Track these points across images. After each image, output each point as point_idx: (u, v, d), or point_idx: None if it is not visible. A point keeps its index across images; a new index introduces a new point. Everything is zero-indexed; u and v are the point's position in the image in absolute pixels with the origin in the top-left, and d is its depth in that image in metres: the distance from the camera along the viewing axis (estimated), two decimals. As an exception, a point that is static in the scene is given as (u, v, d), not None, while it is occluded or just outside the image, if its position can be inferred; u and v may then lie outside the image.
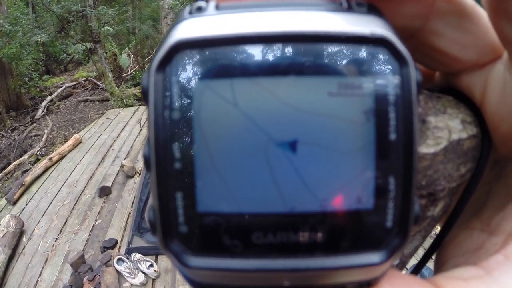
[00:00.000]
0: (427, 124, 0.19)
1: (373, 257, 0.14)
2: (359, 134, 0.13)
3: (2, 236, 3.73)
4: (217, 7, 0.13)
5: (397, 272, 0.17)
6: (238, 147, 0.13)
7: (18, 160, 6.77)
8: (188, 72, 0.13)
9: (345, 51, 0.13)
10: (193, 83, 0.13)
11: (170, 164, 0.13)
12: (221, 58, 0.13)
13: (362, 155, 0.13)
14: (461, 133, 0.19)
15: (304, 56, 0.13)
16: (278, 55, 0.13)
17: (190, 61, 0.13)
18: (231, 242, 0.13)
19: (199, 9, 0.13)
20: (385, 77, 0.13)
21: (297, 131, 0.13)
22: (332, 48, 0.13)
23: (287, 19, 0.13)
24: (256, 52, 0.13)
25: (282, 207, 0.13)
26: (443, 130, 0.19)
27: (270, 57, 0.13)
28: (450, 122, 0.19)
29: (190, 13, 0.13)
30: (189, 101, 0.13)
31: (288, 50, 0.13)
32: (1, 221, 3.96)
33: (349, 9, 0.13)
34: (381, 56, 0.13)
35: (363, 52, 0.13)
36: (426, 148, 0.19)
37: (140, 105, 8.93)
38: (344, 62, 0.13)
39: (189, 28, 0.13)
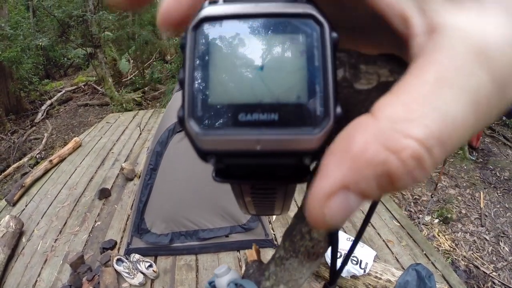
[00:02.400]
0: (359, 69, 0.27)
1: (311, 130, 0.22)
2: (297, 63, 0.23)
3: (2, 236, 3.73)
4: (224, 1, 0.23)
5: None
6: (233, 67, 0.23)
7: (18, 163, 6.78)
8: (208, 31, 0.23)
9: (291, 22, 0.23)
10: (211, 36, 0.23)
11: (196, 79, 0.23)
12: (226, 25, 0.23)
13: (299, 73, 0.22)
14: (389, 78, 0.27)
15: (271, 24, 0.23)
16: (257, 24, 0.23)
17: (210, 26, 0.23)
18: (227, 120, 0.22)
19: (214, 2, 0.23)
20: (312, 34, 0.23)
21: (263, 59, 0.22)
22: (285, 20, 0.23)
23: (262, 6, 0.23)
24: (246, 22, 0.23)
25: (254, 99, 0.22)
26: (373, 75, 0.27)
27: (252, 24, 0.23)
28: (379, 70, 0.27)
29: (209, 3, 0.23)
30: (208, 45, 0.23)
31: (263, 21, 0.23)
32: (1, 221, 3.96)
33: (295, 2, 0.23)
34: (310, 24, 0.23)
35: (300, 22, 0.23)
36: (360, 85, 0.27)
37: (139, 109, 8.97)
38: (290, 27, 0.23)
39: (208, 10, 0.23)
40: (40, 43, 8.93)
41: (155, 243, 3.52)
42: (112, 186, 4.96)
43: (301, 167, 0.25)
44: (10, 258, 3.71)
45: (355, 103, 0.26)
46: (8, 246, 3.71)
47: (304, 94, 0.22)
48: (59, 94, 10.87)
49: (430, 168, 0.18)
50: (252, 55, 0.23)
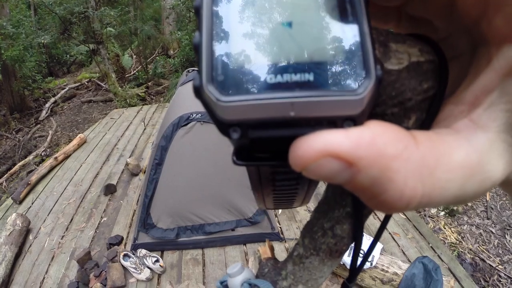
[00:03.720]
0: (389, 47, 0.25)
1: (352, 91, 0.20)
2: (330, 19, 0.20)
3: (9, 234, 3.76)
4: None
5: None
6: (258, 23, 0.20)
7: (23, 161, 6.81)
8: None
9: None
10: None
11: (215, 40, 0.20)
12: None
13: (332, 30, 0.20)
14: (420, 57, 0.25)
15: None
16: None
17: None
18: (253, 81, 0.19)
19: None
20: None
21: (291, 17, 0.20)
22: None
23: None
24: None
25: (284, 58, 0.20)
26: (403, 54, 0.25)
27: None
28: (409, 49, 0.25)
29: None
30: (227, 6, 0.21)
31: None
32: (8, 219, 3.99)
33: None
34: None
35: None
36: (391, 65, 0.25)
37: (143, 105, 8.97)
38: None
39: None
40: (43, 41, 8.96)
41: (162, 238, 3.53)
42: (117, 181, 4.97)
43: None
44: (17, 256, 3.74)
45: (385, 85, 0.24)
46: (15, 244, 3.74)
47: (340, 51, 0.20)
48: (63, 91, 10.89)
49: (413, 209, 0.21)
50: (279, 10, 0.21)
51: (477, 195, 0.20)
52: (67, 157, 5.93)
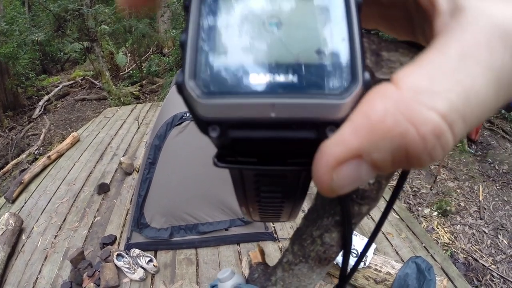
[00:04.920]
0: (381, 57, 0.25)
1: (337, 95, 0.19)
2: (319, 20, 0.20)
3: (2, 234, 3.72)
4: None
5: None
6: (244, 21, 0.20)
7: (16, 160, 6.77)
8: None
9: None
10: None
11: (201, 37, 0.20)
12: None
13: (321, 32, 0.20)
14: None
15: None
16: None
17: None
18: (235, 80, 0.19)
19: None
20: None
21: (280, 18, 0.20)
22: None
23: None
24: None
25: (269, 58, 0.19)
26: (395, 63, 0.25)
27: None
28: (401, 58, 0.25)
29: None
30: (215, 4, 0.20)
31: None
32: (0, 219, 3.95)
33: None
34: None
35: None
36: (382, 74, 0.24)
37: (137, 103, 8.93)
38: None
39: None
40: (36, 38, 8.87)
41: (155, 238, 3.52)
42: (111, 181, 4.95)
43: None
44: (10, 256, 3.71)
45: None
46: (8, 244, 3.71)
47: (328, 53, 0.20)
48: (57, 89, 10.81)
49: (450, 146, 0.18)
50: (267, 8, 0.20)
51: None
52: (60, 155, 5.89)
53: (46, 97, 10.25)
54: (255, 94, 0.19)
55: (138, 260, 3.33)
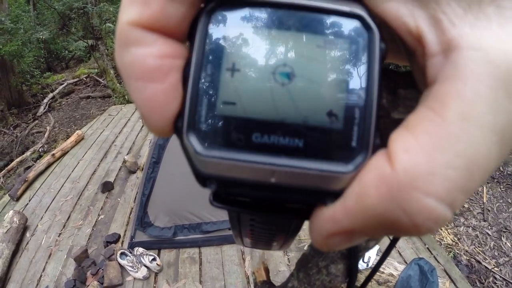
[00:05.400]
0: (398, 94, 0.24)
1: (341, 167, 0.18)
2: (335, 75, 0.18)
3: (6, 232, 3.75)
4: None
5: None
6: (252, 72, 0.18)
7: (21, 157, 6.81)
8: (226, 20, 0.19)
9: (333, 21, 0.19)
10: (229, 26, 0.19)
11: (203, 79, 0.18)
12: (251, 13, 0.19)
13: (336, 90, 0.18)
14: None
15: (307, 20, 0.19)
16: (289, 17, 0.19)
17: (229, 13, 0.19)
18: (236, 138, 0.18)
19: None
20: (358, 40, 0.18)
21: (293, 67, 0.18)
22: (326, 18, 0.19)
23: None
24: (275, 13, 0.19)
25: (275, 116, 0.18)
26: (412, 101, 0.23)
27: (283, 17, 0.19)
28: (418, 95, 0.22)
29: None
30: (224, 37, 0.19)
31: (297, 15, 0.19)
32: (5, 216, 3.99)
33: None
34: (356, 26, 0.19)
35: (345, 23, 0.19)
36: (398, 114, 0.23)
37: (141, 101, 8.92)
38: (332, 28, 0.19)
39: None
40: (41, 36, 8.90)
41: (159, 237, 3.53)
42: (115, 179, 4.96)
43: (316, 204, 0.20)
44: (14, 254, 3.74)
45: (389, 135, 0.21)
46: (12, 242, 3.73)
47: (340, 116, 0.18)
48: (61, 87, 10.85)
49: (448, 220, 0.17)
50: (279, 58, 0.18)
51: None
52: (64, 153, 5.91)
53: (50, 95, 10.29)
54: (256, 157, 0.18)
55: (141, 258, 3.34)
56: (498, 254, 3.91)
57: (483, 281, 3.58)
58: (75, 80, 11.58)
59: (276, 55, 0.18)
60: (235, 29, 0.19)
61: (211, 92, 0.18)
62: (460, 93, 0.16)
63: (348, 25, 0.18)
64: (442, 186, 0.16)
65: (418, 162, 0.16)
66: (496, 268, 3.70)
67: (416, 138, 0.17)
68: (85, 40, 10.01)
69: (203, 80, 0.18)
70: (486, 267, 3.72)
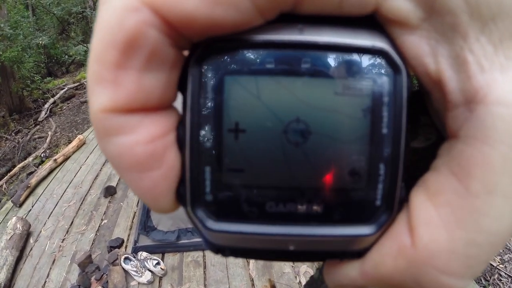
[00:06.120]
0: (419, 122, 0.22)
1: (364, 229, 0.16)
2: (357, 127, 0.16)
3: (9, 238, 3.76)
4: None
5: None
6: (259, 132, 0.15)
7: (23, 163, 6.80)
8: (222, 65, 0.16)
9: (352, 60, 0.16)
10: (226, 75, 0.16)
11: (202, 143, 0.16)
12: (250, 57, 0.16)
13: (358, 144, 0.16)
14: None
15: (320, 61, 0.16)
16: (298, 58, 0.16)
17: (224, 57, 0.16)
18: (248, 210, 0.16)
19: None
20: (382, 82, 0.16)
21: (307, 122, 0.15)
22: (342, 56, 0.16)
23: (309, 30, 0.16)
24: (281, 54, 0.16)
25: (291, 182, 0.15)
26: (432, 127, 0.21)
27: (291, 59, 0.16)
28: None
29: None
30: (220, 88, 0.16)
31: (308, 55, 0.16)
32: (8, 223, 3.99)
33: (356, 25, 0.16)
34: (379, 64, 0.16)
35: (365, 60, 0.16)
36: (418, 143, 0.21)
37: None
38: (350, 67, 0.16)
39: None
40: (41, 42, 8.92)
41: (162, 240, 3.53)
42: (117, 183, 4.95)
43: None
44: (18, 260, 3.74)
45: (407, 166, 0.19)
46: (16, 248, 3.73)
47: (363, 175, 0.16)
48: (62, 91, 10.85)
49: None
50: (290, 112, 0.15)
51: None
52: (66, 158, 5.92)
53: (51, 100, 10.29)
54: (272, 228, 0.16)
55: (145, 263, 3.34)
56: (503, 251, 3.90)
57: (488, 278, 3.56)
58: (75, 84, 11.57)
59: (286, 109, 0.15)
60: (232, 80, 0.16)
61: (214, 159, 0.16)
62: (486, 160, 0.15)
63: (371, 64, 0.16)
64: (462, 265, 0.15)
65: (439, 239, 0.15)
66: (501, 265, 3.68)
67: (437, 209, 0.16)
68: (85, 44, 10.01)
69: (202, 144, 0.16)
70: (491, 264, 3.71)
